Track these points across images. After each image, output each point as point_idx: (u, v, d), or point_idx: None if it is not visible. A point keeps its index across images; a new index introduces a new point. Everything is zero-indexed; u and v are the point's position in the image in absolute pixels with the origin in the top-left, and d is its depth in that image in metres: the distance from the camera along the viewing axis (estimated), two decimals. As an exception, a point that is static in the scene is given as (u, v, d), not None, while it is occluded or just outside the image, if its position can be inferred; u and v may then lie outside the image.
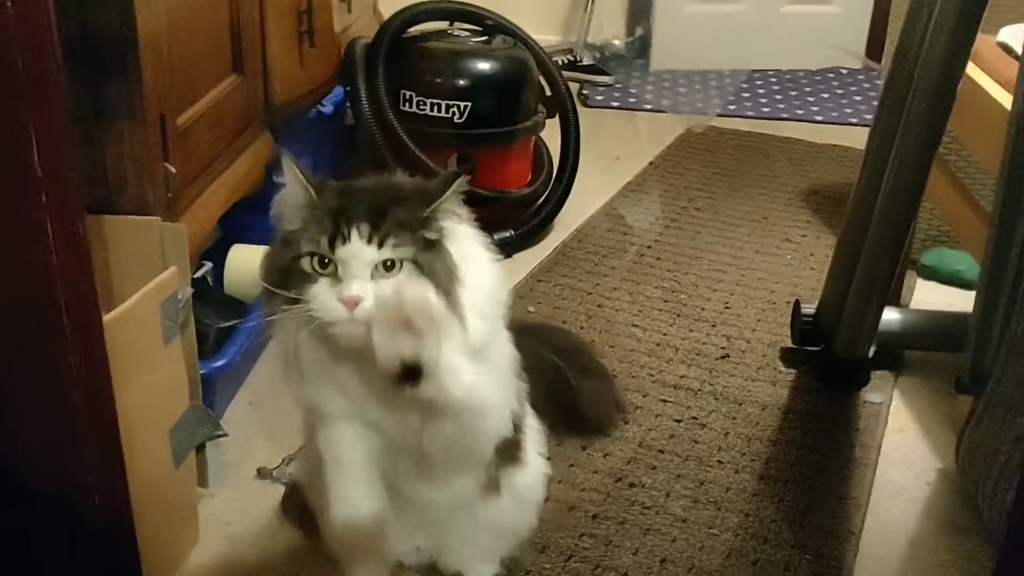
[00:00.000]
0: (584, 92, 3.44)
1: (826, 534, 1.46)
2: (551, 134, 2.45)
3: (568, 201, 2.42)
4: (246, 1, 1.70)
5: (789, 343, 1.95)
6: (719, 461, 1.62)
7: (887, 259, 1.71)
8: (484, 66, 2.27)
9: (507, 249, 2.24)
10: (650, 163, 2.86)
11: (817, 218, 2.53)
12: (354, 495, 1.16)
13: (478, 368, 1.08)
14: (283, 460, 1.55)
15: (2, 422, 1.00)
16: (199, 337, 1.43)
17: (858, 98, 3.49)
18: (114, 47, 1.25)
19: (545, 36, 3.21)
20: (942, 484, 1.60)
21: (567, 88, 2.44)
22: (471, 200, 1.10)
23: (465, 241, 1.11)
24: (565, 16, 3.80)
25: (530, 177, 2.43)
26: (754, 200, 2.64)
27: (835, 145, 3.01)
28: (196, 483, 1.44)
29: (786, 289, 2.17)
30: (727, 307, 2.10)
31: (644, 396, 1.78)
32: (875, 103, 1.80)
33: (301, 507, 1.36)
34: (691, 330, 2.00)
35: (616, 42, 3.83)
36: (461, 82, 2.24)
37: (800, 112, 3.34)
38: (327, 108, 2.22)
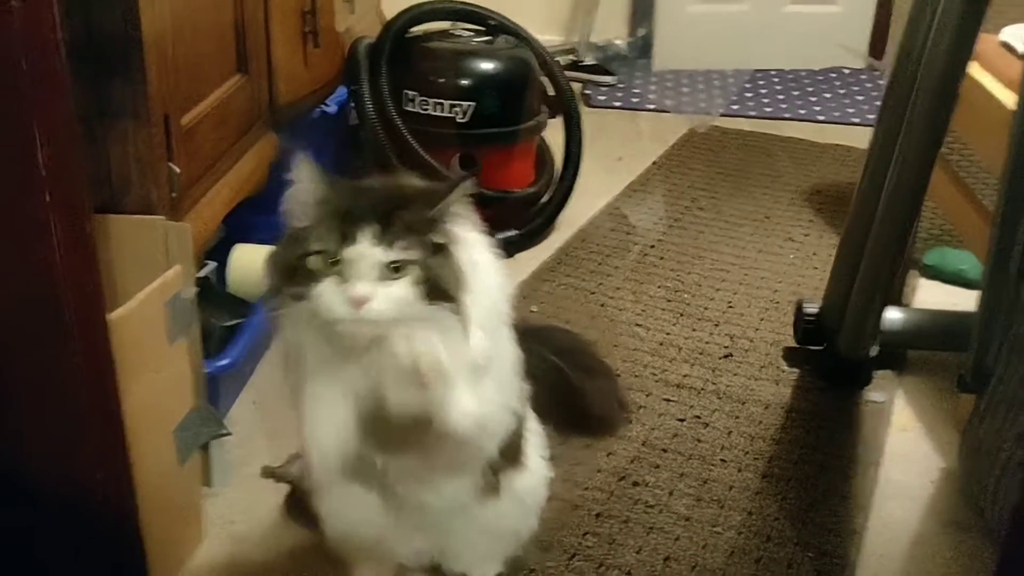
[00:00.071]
0: (587, 92, 3.45)
1: (829, 532, 1.47)
2: (554, 134, 2.45)
3: (571, 201, 2.42)
4: (250, 1, 1.71)
5: (792, 342, 1.95)
6: (722, 460, 1.62)
7: (890, 258, 1.71)
8: (487, 66, 2.28)
9: (510, 249, 2.25)
10: (653, 163, 2.87)
11: (820, 217, 2.53)
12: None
13: (481, 391, 1.09)
14: (287, 459, 1.55)
15: (9, 421, 1.00)
16: (203, 336, 1.44)
17: (860, 98, 3.49)
18: (118, 46, 1.25)
19: (548, 36, 3.22)
20: (945, 483, 1.60)
21: (570, 88, 2.44)
22: (474, 200, 1.10)
23: (472, 247, 1.11)
24: (567, 16, 3.80)
25: (533, 177, 2.43)
26: (757, 200, 2.64)
27: (837, 145, 3.01)
28: (200, 482, 1.45)
29: (789, 288, 2.17)
30: (730, 306, 2.10)
31: (647, 395, 1.78)
32: (877, 103, 1.80)
33: (305, 506, 1.36)
34: (694, 329, 2.00)
35: (618, 42, 3.84)
36: (464, 82, 2.24)
37: (803, 112, 3.35)
38: (331, 108, 2.23)
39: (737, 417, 1.73)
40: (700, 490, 1.55)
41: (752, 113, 3.33)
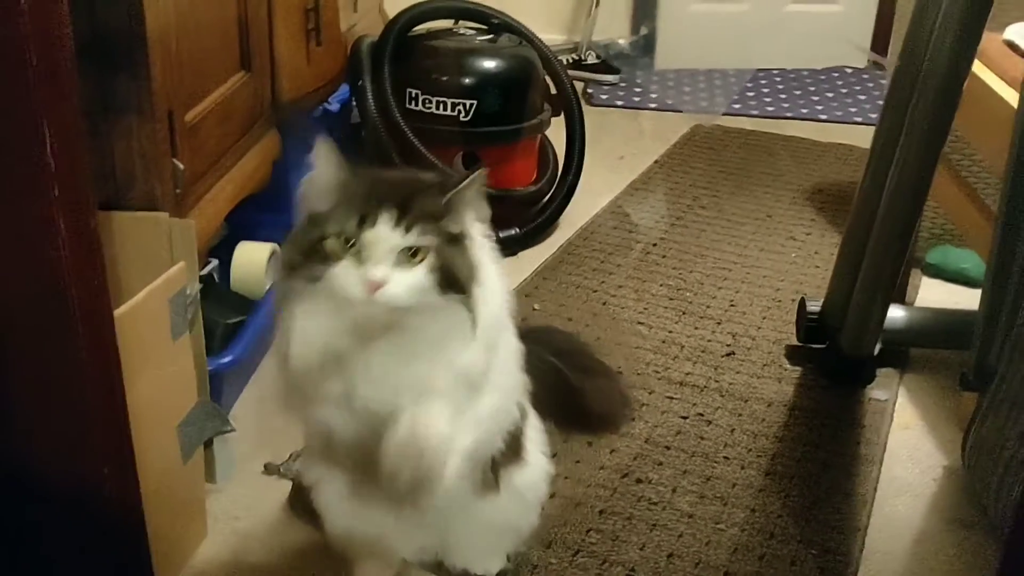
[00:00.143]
0: (589, 91, 3.45)
1: (832, 529, 1.47)
2: (556, 132, 2.46)
3: (573, 199, 2.43)
4: (253, -2, 1.71)
5: (794, 340, 1.96)
6: (725, 457, 1.62)
7: (892, 257, 1.71)
8: (490, 64, 2.28)
9: (512, 247, 2.25)
10: (655, 162, 2.87)
11: (821, 216, 2.53)
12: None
13: (475, 409, 1.11)
14: (290, 456, 1.55)
15: (15, 416, 1.00)
16: (206, 334, 1.44)
17: (862, 97, 3.49)
18: (123, 42, 1.25)
19: (550, 35, 3.22)
20: (947, 480, 1.60)
21: (572, 86, 2.44)
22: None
23: (481, 249, 1.11)
24: (570, 15, 3.80)
25: (535, 175, 2.43)
26: (759, 198, 2.64)
27: (839, 144, 3.01)
28: (204, 478, 1.45)
29: (791, 287, 2.17)
30: (732, 305, 2.10)
31: (650, 393, 1.78)
32: (879, 102, 1.81)
33: (308, 503, 1.36)
34: (696, 327, 2.01)
35: (621, 41, 3.84)
36: (467, 80, 2.24)
37: (804, 111, 3.35)
38: (333, 106, 2.23)
39: (740, 415, 1.73)
40: (703, 487, 1.55)
41: (754, 112, 3.33)
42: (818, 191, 2.68)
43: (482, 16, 2.40)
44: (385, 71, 2.21)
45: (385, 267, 1.00)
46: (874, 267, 1.73)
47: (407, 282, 1.00)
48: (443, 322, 1.04)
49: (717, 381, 1.83)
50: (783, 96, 3.49)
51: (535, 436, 1.33)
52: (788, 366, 1.89)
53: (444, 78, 2.24)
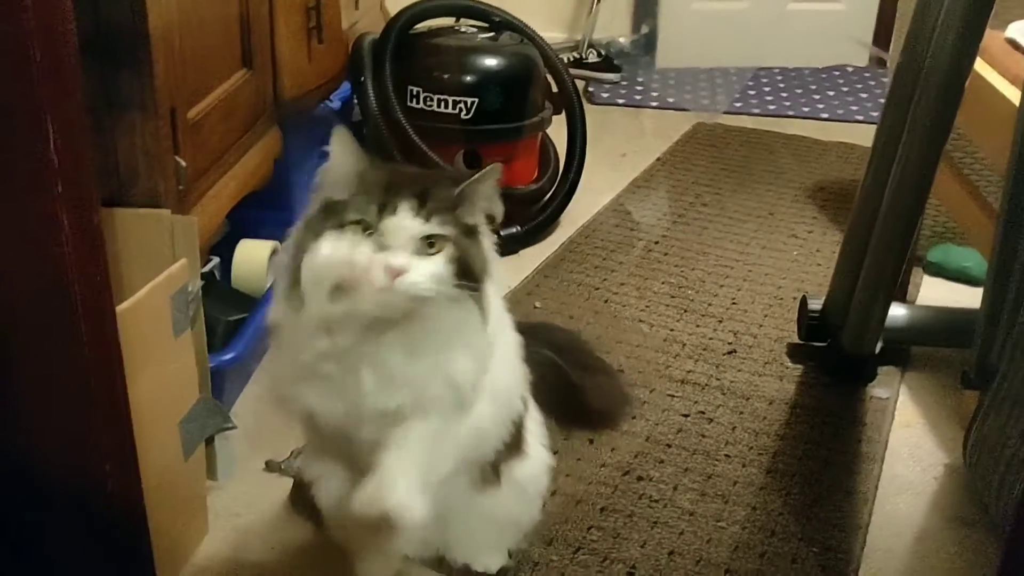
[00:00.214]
0: (590, 89, 3.45)
1: (833, 527, 1.47)
2: (557, 131, 2.46)
3: (574, 197, 2.43)
4: (255, -4, 1.71)
5: (796, 339, 1.96)
6: (726, 455, 1.62)
7: (894, 255, 1.71)
8: (491, 62, 2.28)
9: (514, 245, 2.25)
10: (656, 160, 2.87)
11: (823, 214, 2.53)
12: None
13: (471, 418, 1.12)
14: (291, 453, 1.56)
15: (18, 412, 1.01)
16: (207, 331, 1.44)
17: (864, 96, 3.49)
18: (126, 39, 1.26)
19: (551, 33, 3.22)
20: (949, 479, 1.60)
21: (574, 84, 2.44)
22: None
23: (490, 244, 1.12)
24: (571, 13, 3.80)
25: (537, 173, 2.43)
26: (761, 196, 2.64)
27: (841, 142, 3.01)
28: (205, 475, 1.45)
29: (793, 285, 2.17)
30: (734, 303, 2.10)
31: (651, 391, 1.78)
32: (881, 100, 1.81)
33: (309, 499, 1.36)
34: (698, 325, 2.01)
35: (622, 39, 3.84)
36: (468, 78, 2.24)
37: (806, 109, 3.35)
38: (335, 104, 2.23)
39: (741, 413, 1.73)
40: (704, 485, 1.55)
41: (755, 110, 3.33)
42: (820, 189, 2.68)
43: (483, 14, 2.41)
44: (386, 69, 2.21)
45: (406, 255, 1.01)
46: (876, 265, 1.73)
47: (427, 270, 1.01)
48: (455, 315, 1.04)
49: (718, 379, 1.83)
50: (784, 94, 3.49)
51: (535, 428, 1.33)
52: (789, 364, 1.89)
53: (446, 76, 2.24)
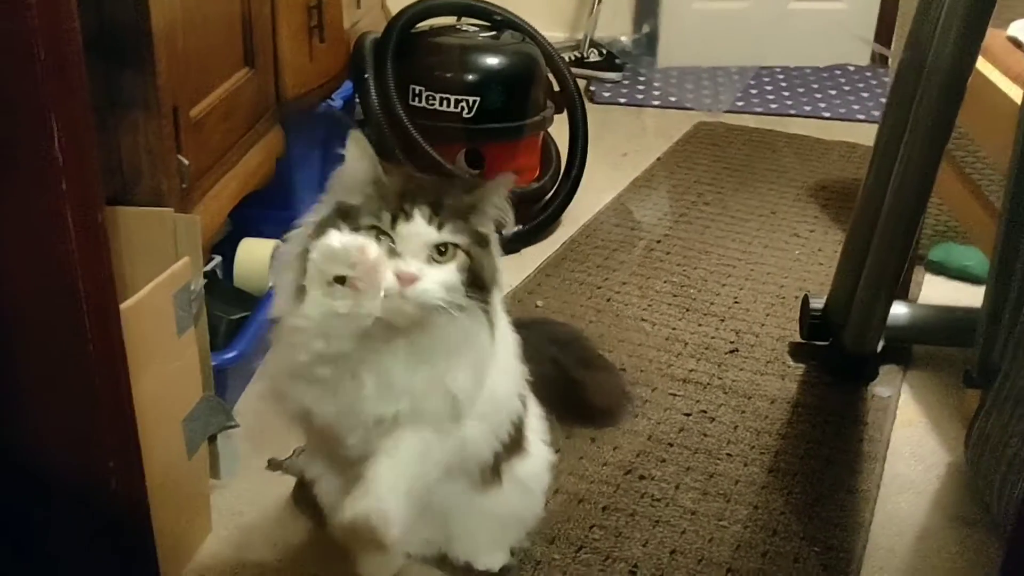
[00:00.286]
0: (591, 88, 3.45)
1: (835, 526, 1.47)
2: (559, 129, 2.46)
3: (576, 196, 2.43)
4: (257, -5, 1.71)
5: (798, 337, 1.96)
6: (728, 454, 1.62)
7: (896, 254, 1.71)
8: (493, 61, 2.28)
9: (516, 244, 2.25)
10: (658, 159, 2.87)
11: (825, 213, 2.53)
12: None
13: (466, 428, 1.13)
14: (294, 451, 1.56)
15: (23, 409, 1.01)
16: (210, 330, 1.44)
17: (866, 95, 3.49)
18: (129, 38, 1.26)
19: (553, 32, 3.22)
20: (951, 478, 1.60)
21: (575, 83, 2.44)
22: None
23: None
24: (572, 12, 3.80)
25: (538, 172, 2.43)
26: (763, 196, 2.64)
27: (843, 141, 3.01)
28: (208, 473, 1.45)
29: (795, 284, 2.17)
30: (736, 302, 2.10)
31: (653, 390, 1.79)
32: (883, 99, 1.81)
33: (312, 498, 1.37)
34: (700, 324, 2.01)
35: (623, 38, 3.84)
36: (470, 77, 2.24)
37: (808, 108, 3.35)
38: (336, 103, 2.23)
39: (743, 412, 1.73)
40: (706, 484, 1.55)
41: (757, 109, 3.33)
42: (821, 188, 2.68)
43: (485, 13, 2.41)
44: (388, 68, 2.21)
45: (418, 262, 1.01)
46: (877, 264, 1.73)
47: (439, 278, 1.01)
48: (463, 325, 1.04)
49: (720, 378, 1.83)
50: (786, 93, 3.49)
51: (537, 425, 1.33)
52: (791, 363, 1.89)
53: (447, 75, 2.24)
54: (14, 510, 1.07)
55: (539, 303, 2.06)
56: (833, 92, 3.52)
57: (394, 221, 1.01)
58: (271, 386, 1.16)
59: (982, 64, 1.72)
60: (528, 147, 2.39)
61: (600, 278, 2.18)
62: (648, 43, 3.82)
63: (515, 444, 1.26)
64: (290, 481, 1.52)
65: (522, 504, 1.32)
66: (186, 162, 1.39)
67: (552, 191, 2.41)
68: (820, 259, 2.29)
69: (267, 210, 1.78)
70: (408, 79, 2.24)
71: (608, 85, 3.51)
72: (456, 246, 1.03)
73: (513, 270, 2.14)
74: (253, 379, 1.73)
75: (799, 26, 3.73)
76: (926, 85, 1.59)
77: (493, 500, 1.26)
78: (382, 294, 0.99)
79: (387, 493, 1.07)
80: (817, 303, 1.91)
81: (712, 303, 2.09)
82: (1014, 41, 1.80)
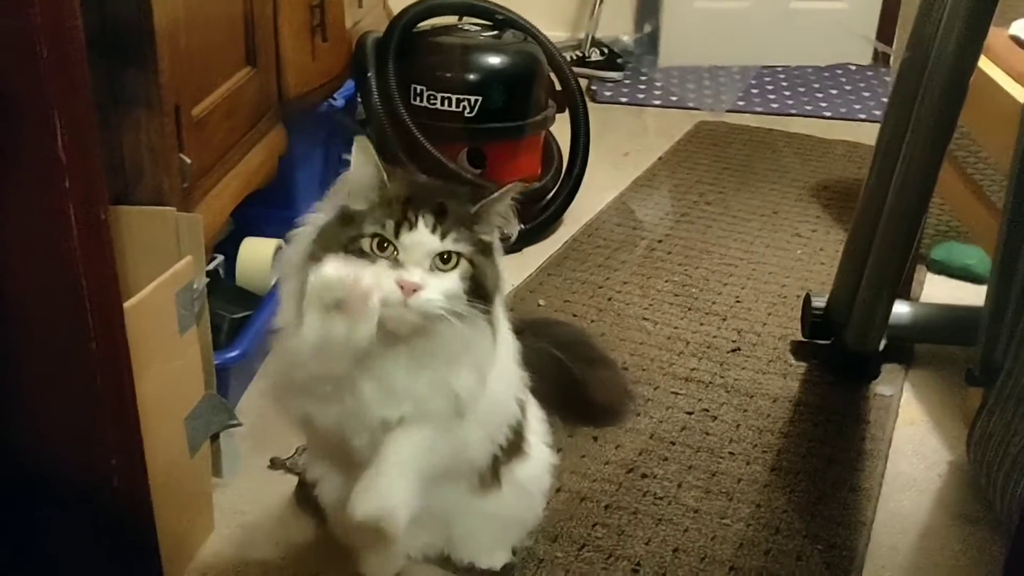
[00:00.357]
0: (593, 88, 3.45)
1: (837, 524, 1.47)
2: (560, 129, 2.46)
3: (578, 195, 2.43)
4: (259, -6, 1.71)
5: (800, 336, 1.96)
6: (730, 453, 1.62)
7: (898, 253, 1.71)
8: (495, 60, 2.28)
9: (517, 243, 2.25)
10: (659, 158, 2.87)
11: (827, 213, 2.53)
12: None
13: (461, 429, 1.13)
14: (295, 450, 1.56)
15: (26, 407, 1.01)
16: (212, 328, 1.44)
17: (867, 94, 3.49)
18: (132, 36, 1.26)
19: (554, 31, 3.22)
20: (953, 476, 1.60)
21: (577, 83, 2.44)
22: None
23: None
24: (574, 12, 3.80)
25: (540, 171, 2.43)
26: (764, 195, 2.64)
27: (844, 141, 3.01)
28: (210, 472, 1.45)
29: (796, 283, 2.17)
30: (738, 301, 2.10)
31: (655, 389, 1.78)
32: (884, 99, 1.81)
33: (314, 497, 1.37)
34: (702, 323, 2.01)
35: (625, 38, 3.84)
36: (472, 76, 2.24)
37: (809, 108, 3.35)
38: (338, 102, 2.23)
39: (745, 410, 1.73)
40: (709, 482, 1.55)
41: (759, 109, 3.33)
42: (823, 188, 2.68)
43: (487, 12, 2.41)
44: (390, 67, 2.21)
45: (421, 271, 1.01)
46: (879, 263, 1.73)
47: (442, 287, 1.01)
48: (466, 333, 1.04)
49: (722, 377, 1.83)
50: (788, 93, 3.49)
51: (537, 427, 1.33)
52: (793, 362, 1.89)
53: (449, 74, 2.24)
54: (16, 508, 1.07)
55: (541, 302, 2.06)
56: (835, 91, 3.52)
57: (398, 229, 1.01)
58: (274, 393, 1.16)
59: (984, 63, 1.72)
60: (530, 146, 2.39)
61: (602, 277, 2.18)
62: (650, 42, 3.82)
63: (514, 447, 1.26)
64: (292, 480, 1.52)
65: (522, 506, 1.32)
66: (188, 161, 1.39)
67: (554, 190, 2.41)
68: (822, 258, 2.29)
69: (269, 209, 1.79)
70: (410, 78, 2.24)
71: (609, 84, 3.51)
72: (459, 255, 1.03)
73: (515, 269, 2.14)
74: (255, 378, 1.73)
75: (801, 25, 3.73)
76: (928, 84, 1.59)
77: (493, 503, 1.26)
78: (375, 321, 0.99)
79: (393, 489, 1.07)
80: (819, 302, 1.91)
81: (714, 302, 2.09)
82: (1016, 40, 1.80)
